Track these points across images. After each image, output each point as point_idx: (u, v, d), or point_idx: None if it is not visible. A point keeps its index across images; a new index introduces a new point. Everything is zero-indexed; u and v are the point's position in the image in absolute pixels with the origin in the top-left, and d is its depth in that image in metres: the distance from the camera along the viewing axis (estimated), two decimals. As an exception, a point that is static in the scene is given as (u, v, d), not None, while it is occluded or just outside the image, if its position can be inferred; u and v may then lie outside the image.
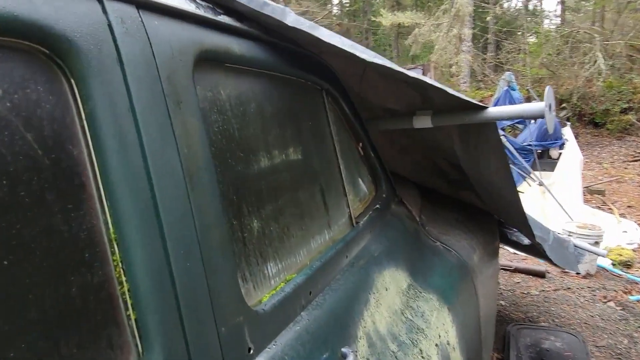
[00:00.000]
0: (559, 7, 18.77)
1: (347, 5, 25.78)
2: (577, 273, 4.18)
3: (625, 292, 3.94)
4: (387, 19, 16.45)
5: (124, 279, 0.63)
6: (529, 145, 7.43)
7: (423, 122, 1.88)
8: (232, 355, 0.76)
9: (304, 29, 1.18)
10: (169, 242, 0.68)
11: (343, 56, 1.30)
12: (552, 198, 5.71)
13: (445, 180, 2.51)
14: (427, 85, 1.54)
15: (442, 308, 1.54)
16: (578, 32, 13.97)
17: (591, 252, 3.70)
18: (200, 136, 0.79)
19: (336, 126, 1.50)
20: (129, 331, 0.63)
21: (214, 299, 0.75)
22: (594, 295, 3.91)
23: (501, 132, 7.28)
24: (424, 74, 12.30)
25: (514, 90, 8.67)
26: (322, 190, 1.30)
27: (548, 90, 1.67)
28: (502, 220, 2.86)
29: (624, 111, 12.30)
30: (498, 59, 16.63)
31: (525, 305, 3.76)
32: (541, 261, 4.24)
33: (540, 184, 6.12)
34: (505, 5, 18.86)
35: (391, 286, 1.37)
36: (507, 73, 9.47)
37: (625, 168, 9.76)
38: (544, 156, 7.87)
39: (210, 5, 0.97)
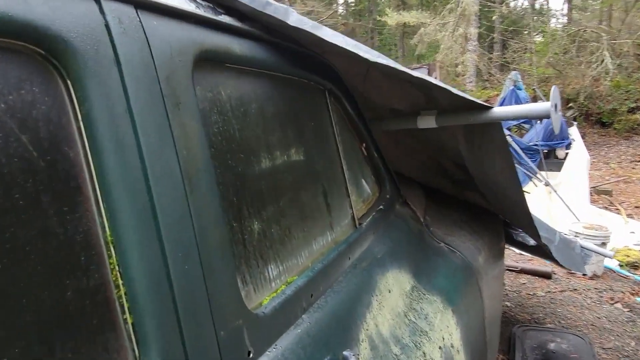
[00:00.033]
0: (566, 6, 18.66)
1: (353, 4, 25.76)
2: (584, 274, 4.15)
3: (632, 294, 3.90)
4: (393, 18, 16.41)
5: (120, 282, 0.62)
6: (535, 145, 7.38)
7: (427, 122, 1.86)
8: (232, 359, 0.75)
9: (307, 29, 1.17)
10: (167, 245, 0.67)
11: (346, 56, 1.29)
12: (559, 198, 5.67)
13: (450, 181, 2.49)
14: (431, 85, 1.53)
15: (446, 310, 1.52)
16: (585, 31, 13.88)
17: (598, 253, 3.67)
18: (199, 137, 0.78)
19: (339, 126, 1.49)
20: (125, 335, 0.62)
21: (213, 302, 0.74)
22: (601, 297, 3.87)
23: (507, 132, 7.27)
24: (429, 73, 12.29)
25: (520, 89, 8.61)
26: (324, 192, 1.29)
27: (554, 90, 1.65)
28: (508, 221, 2.84)
29: (632, 111, 12.21)
30: (504, 58, 16.55)
31: (531, 307, 3.74)
32: (547, 262, 4.20)
33: (547, 184, 6.07)
34: (512, 4, 18.76)
35: (394, 288, 1.36)
36: (514, 72, 9.42)
37: (633, 168, 9.68)
38: (550, 156, 7.81)
39: (211, 5, 0.96)
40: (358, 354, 1.04)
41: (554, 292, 3.99)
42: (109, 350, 0.60)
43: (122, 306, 0.62)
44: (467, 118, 1.74)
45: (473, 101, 1.65)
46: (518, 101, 8.15)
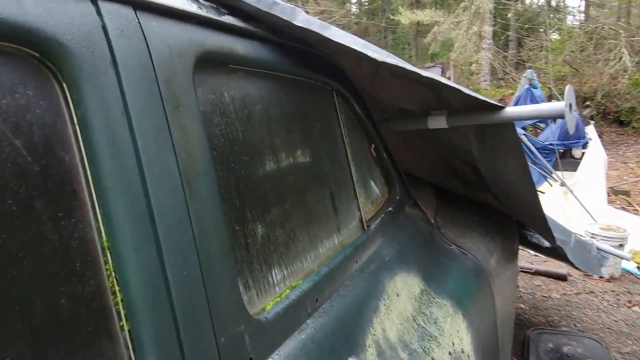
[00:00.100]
0: (583, 3, 18.38)
1: (366, 4, 25.67)
2: (600, 277, 4.06)
3: (651, 297, 3.82)
4: (406, 17, 16.31)
5: (117, 288, 0.61)
6: (551, 144, 7.26)
7: (438, 122, 1.83)
8: (232, 365, 0.74)
9: (314, 29, 1.15)
10: (165, 250, 0.66)
11: (355, 56, 1.27)
12: (575, 199, 5.57)
13: (461, 181, 2.45)
14: (441, 85, 1.50)
15: (457, 314, 1.49)
16: (603, 28, 13.63)
17: (615, 255, 3.59)
18: (200, 140, 0.77)
19: (347, 127, 1.47)
20: (122, 342, 0.61)
21: (213, 308, 0.72)
22: (618, 300, 3.79)
23: (522, 132, 7.17)
24: (443, 72, 12.18)
25: (535, 88, 8.50)
26: (331, 194, 1.27)
27: (568, 90, 1.61)
28: (522, 222, 2.79)
29: (651, 109, 11.97)
30: (519, 56, 16.34)
31: (546, 309, 3.67)
32: (562, 264, 4.13)
33: (563, 184, 5.97)
34: (527, 1, 18.52)
35: (403, 292, 1.33)
36: (529, 71, 9.30)
37: (652, 168, 9.48)
38: (566, 156, 7.69)
39: (214, 6, 0.95)
40: (364, 360, 1.02)
41: (569, 295, 3.92)
42: (105, 358, 0.59)
43: (118, 313, 0.61)
44: (479, 118, 1.71)
45: (485, 101, 1.61)
46: (533, 100, 8.04)
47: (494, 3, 14.83)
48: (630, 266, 4.32)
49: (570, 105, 1.59)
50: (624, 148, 11.30)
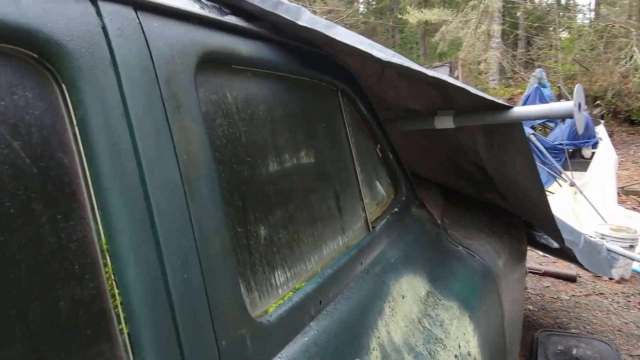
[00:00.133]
0: (593, 1, 18.18)
1: (374, 3, 25.60)
2: (610, 278, 4.01)
3: (662, 299, 3.77)
4: (414, 16, 16.23)
5: (116, 291, 0.60)
6: (560, 144, 7.18)
7: (445, 122, 1.82)
8: (234, 369, 0.73)
9: (318, 29, 1.14)
10: (165, 253, 0.65)
11: (360, 56, 1.26)
12: (585, 199, 5.50)
13: (468, 181, 2.43)
14: (448, 84, 1.49)
15: (463, 316, 1.48)
16: (613, 27, 13.46)
17: (625, 256, 3.54)
18: (201, 141, 0.76)
19: (352, 128, 1.45)
20: (121, 346, 0.60)
21: (214, 310, 0.72)
22: (629, 302, 3.74)
23: (531, 131, 7.10)
24: (451, 71, 12.11)
25: (544, 87, 8.42)
26: (336, 195, 1.26)
27: (577, 89, 1.59)
28: (530, 223, 2.76)
29: (663, 108, 11.82)
30: (528, 55, 16.19)
31: (555, 311, 3.63)
32: (572, 265, 4.09)
33: (572, 184, 5.90)
34: (537, 0, 18.35)
35: (408, 294, 1.32)
36: (538, 70, 9.21)
37: (664, 168, 9.36)
38: (576, 156, 7.60)
39: (217, 6, 0.94)
40: (368, 363, 1.00)
41: (578, 296, 3.88)
42: (104, 362, 0.59)
43: (117, 316, 0.60)
44: (486, 118, 1.69)
45: (492, 101, 1.60)
46: (542, 99, 7.96)
47: (503, 1, 14.73)
48: (641, 267, 4.26)
49: (579, 105, 1.57)
50: (634, 148, 11.16)
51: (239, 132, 0.91)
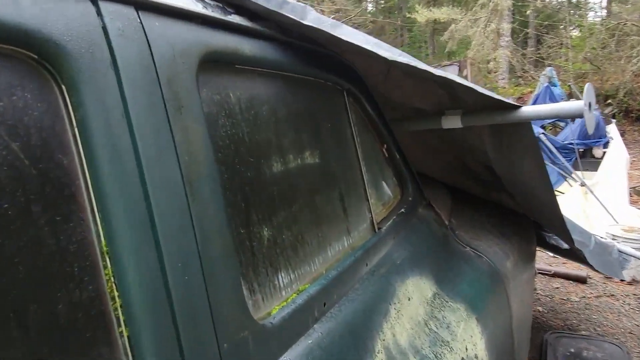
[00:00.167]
0: (605, -1, 17.97)
1: (382, 2, 25.52)
2: (622, 280, 3.96)
3: (675, 301, 3.71)
4: (423, 15, 16.16)
5: (116, 294, 0.60)
6: (571, 143, 7.10)
7: (452, 122, 1.80)
8: (235, 372, 0.73)
9: (324, 28, 1.13)
10: (166, 255, 0.65)
11: (366, 55, 1.25)
12: (596, 199, 5.44)
13: (476, 182, 2.41)
14: (455, 84, 1.47)
15: (470, 318, 1.46)
16: (625, 25, 13.29)
17: (637, 257, 3.49)
18: (203, 142, 0.76)
19: (358, 128, 1.44)
20: (121, 349, 0.60)
21: (216, 313, 0.71)
22: (640, 303, 3.69)
23: (541, 131, 7.03)
24: (460, 70, 12.02)
25: (555, 86, 8.33)
26: (341, 195, 1.25)
27: (588, 88, 1.56)
28: (539, 223, 2.73)
29: (675, 107, 11.65)
30: (538, 54, 16.04)
31: (565, 312, 3.59)
32: (582, 266, 4.04)
33: (583, 184, 5.84)
34: (547, -2, 18.17)
35: (414, 296, 1.31)
36: (548, 68, 9.12)
37: (676, 167, 9.23)
38: (586, 155, 7.51)
39: (220, 5, 0.93)
40: (373, 366, 0.99)
41: (589, 298, 3.83)
42: (103, 365, 0.58)
43: (117, 319, 0.60)
44: (495, 118, 1.67)
45: (501, 100, 1.58)
46: (553, 98, 7.88)
47: (513, 0, 14.61)
48: (653, 269, 4.20)
49: (590, 105, 1.54)
50: (647, 147, 11.03)
51: (242, 132, 0.90)
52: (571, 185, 6.09)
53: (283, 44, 1.09)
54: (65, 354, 0.55)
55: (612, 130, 7.52)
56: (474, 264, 1.78)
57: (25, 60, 0.56)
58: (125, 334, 0.60)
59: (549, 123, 8.53)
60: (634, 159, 9.09)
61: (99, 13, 0.63)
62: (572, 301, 3.79)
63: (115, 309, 0.60)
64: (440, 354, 1.22)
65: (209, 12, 0.86)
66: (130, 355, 0.60)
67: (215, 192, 0.76)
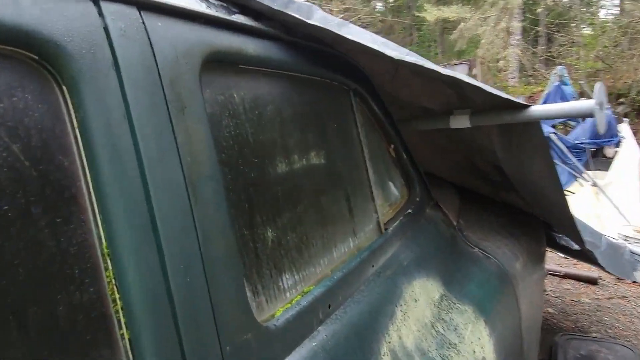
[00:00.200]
0: (617, -4, 17.71)
1: (391, 1, 25.42)
2: (634, 281, 3.90)
3: (688, 303, 3.65)
4: (432, 14, 16.06)
5: (117, 296, 0.59)
6: (582, 143, 7.02)
7: (461, 122, 1.78)
8: (238, 374, 0.72)
9: (330, 28, 1.12)
10: (167, 257, 0.64)
11: (373, 54, 1.24)
12: (607, 200, 5.37)
13: (485, 181, 2.38)
14: (463, 83, 1.45)
15: (478, 320, 1.44)
16: (638, 22, 13.11)
17: (650, 259, 3.44)
18: (206, 143, 0.75)
19: (365, 128, 1.43)
20: (122, 351, 0.59)
21: (218, 315, 0.70)
22: (653, 305, 3.64)
23: (552, 130, 6.96)
24: (470, 69, 11.93)
25: (566, 85, 8.22)
26: (346, 196, 1.24)
27: (599, 87, 1.53)
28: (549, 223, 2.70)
29: (689, 106, 11.47)
30: (549, 52, 15.86)
31: (575, 314, 3.55)
32: (593, 267, 3.99)
33: (594, 184, 5.77)
34: (558, -5, 17.97)
35: (421, 297, 1.29)
36: (559, 67, 9.01)
37: (690, 167, 9.07)
38: (598, 155, 7.41)
39: (224, 5, 0.93)
40: (378, 369, 0.98)
41: (600, 299, 3.78)
42: (104, 367, 0.58)
43: (118, 321, 0.59)
44: (504, 117, 1.65)
45: (509, 99, 1.56)
46: (564, 97, 7.78)
47: (523, -2, 14.49)
48: (666, 270, 4.13)
49: (601, 104, 1.52)
50: (660, 146, 10.86)
51: (246, 133, 0.89)
52: (582, 185, 6.02)
53: (288, 44, 1.08)
54: (65, 356, 0.54)
55: (625, 129, 7.42)
56: (482, 265, 1.76)
57: (25, 61, 0.55)
58: (126, 336, 0.60)
59: (560, 122, 8.44)
60: (646, 159, 8.95)
61: (100, 13, 0.63)
62: (583, 303, 3.74)
63: (116, 311, 0.59)
64: (447, 357, 1.20)
65: (212, 12, 0.86)
66: (131, 358, 0.60)
67: (218, 193, 0.75)
